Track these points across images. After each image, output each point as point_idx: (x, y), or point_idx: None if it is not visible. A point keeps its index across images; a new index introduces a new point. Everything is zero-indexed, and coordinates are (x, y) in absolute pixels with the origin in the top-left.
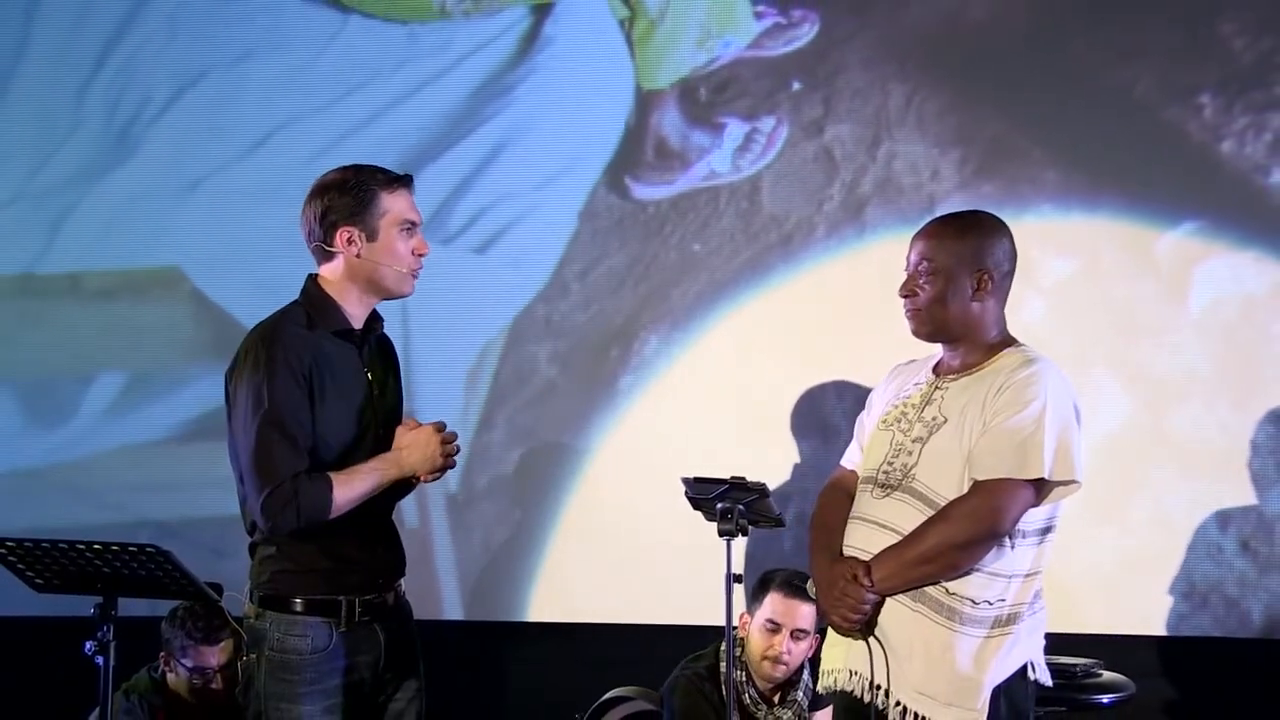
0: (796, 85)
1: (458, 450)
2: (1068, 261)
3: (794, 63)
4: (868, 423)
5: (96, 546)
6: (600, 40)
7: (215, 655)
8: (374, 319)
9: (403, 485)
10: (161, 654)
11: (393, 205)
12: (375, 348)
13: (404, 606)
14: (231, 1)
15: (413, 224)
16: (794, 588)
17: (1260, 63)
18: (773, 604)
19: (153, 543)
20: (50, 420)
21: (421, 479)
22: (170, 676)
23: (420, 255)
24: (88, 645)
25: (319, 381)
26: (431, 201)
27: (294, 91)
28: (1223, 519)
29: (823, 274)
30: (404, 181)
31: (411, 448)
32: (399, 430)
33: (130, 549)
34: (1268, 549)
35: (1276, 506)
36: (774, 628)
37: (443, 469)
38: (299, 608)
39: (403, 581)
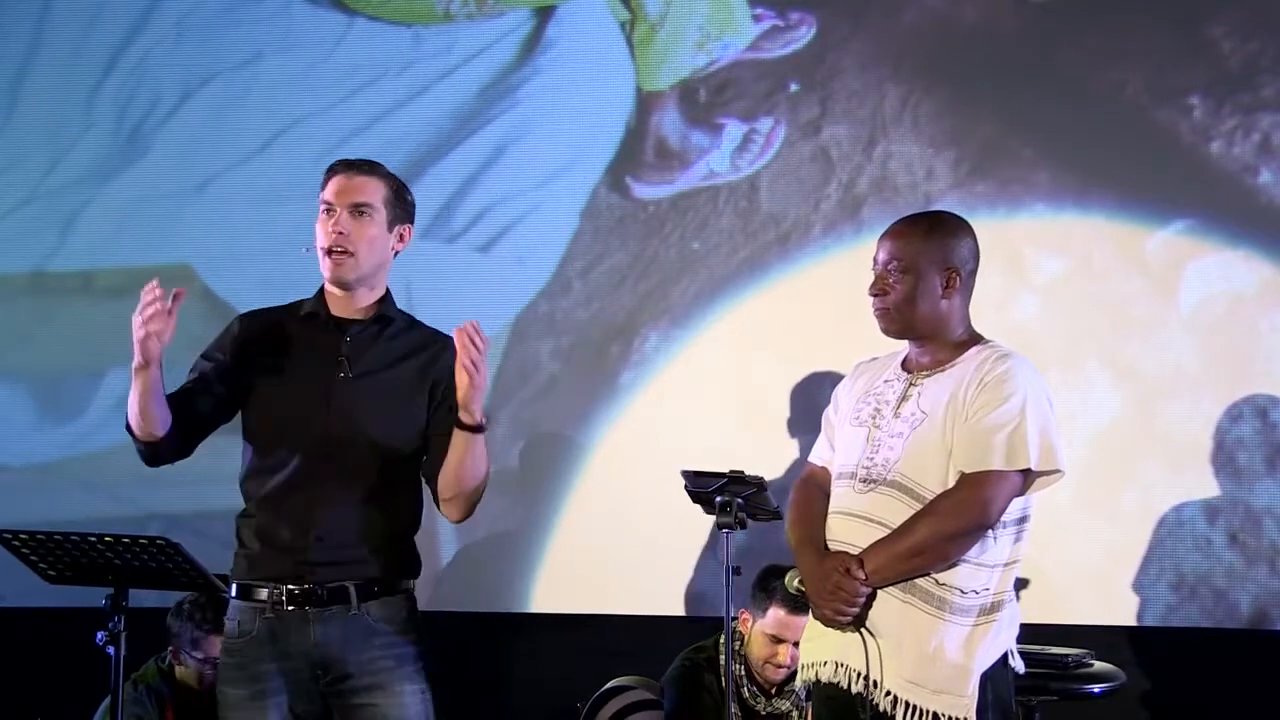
0: (794, 87)
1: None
2: (1060, 260)
3: (791, 65)
4: (836, 419)
5: (108, 539)
6: (601, 43)
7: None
8: (383, 312)
9: (344, 451)
10: (170, 648)
11: (323, 190)
12: (382, 340)
13: (368, 609)
14: (239, 5)
15: (328, 206)
16: (797, 604)
17: (1248, 65)
18: (776, 618)
19: (163, 535)
20: (63, 415)
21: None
22: (179, 669)
23: (331, 236)
24: (99, 636)
25: (261, 353)
26: (436, 201)
27: (301, 93)
28: (1211, 512)
29: (820, 272)
30: (335, 167)
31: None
32: None
33: (141, 541)
34: (1255, 541)
35: (1264, 499)
36: (778, 640)
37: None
38: (234, 591)
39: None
